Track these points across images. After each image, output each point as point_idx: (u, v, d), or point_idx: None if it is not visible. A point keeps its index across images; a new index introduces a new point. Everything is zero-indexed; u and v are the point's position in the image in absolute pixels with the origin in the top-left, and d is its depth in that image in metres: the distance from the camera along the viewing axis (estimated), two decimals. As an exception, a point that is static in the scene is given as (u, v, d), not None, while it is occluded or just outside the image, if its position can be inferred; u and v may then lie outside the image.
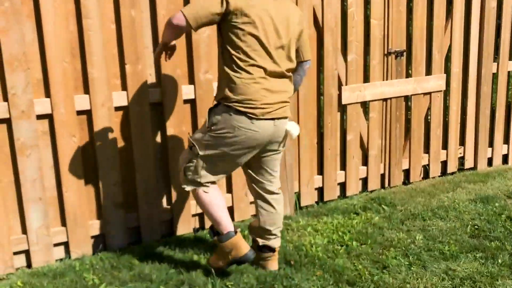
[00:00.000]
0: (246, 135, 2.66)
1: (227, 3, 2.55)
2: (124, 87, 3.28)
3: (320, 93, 4.04)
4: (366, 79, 4.23)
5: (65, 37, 3.05)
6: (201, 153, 2.76)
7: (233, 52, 2.62)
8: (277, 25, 2.66)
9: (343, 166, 4.25)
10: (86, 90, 3.18)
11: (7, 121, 2.99)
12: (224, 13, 2.58)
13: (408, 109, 4.54)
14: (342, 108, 4.16)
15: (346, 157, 4.22)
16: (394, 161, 4.46)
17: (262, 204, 2.96)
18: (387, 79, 4.27)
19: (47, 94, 3.08)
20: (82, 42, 3.11)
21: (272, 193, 2.95)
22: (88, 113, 3.21)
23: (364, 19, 4.11)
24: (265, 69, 2.64)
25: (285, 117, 2.78)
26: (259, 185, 2.94)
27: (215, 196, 2.83)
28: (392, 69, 4.27)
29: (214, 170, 2.80)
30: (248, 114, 2.62)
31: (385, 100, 4.31)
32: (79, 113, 3.18)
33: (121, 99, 3.27)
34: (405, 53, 4.30)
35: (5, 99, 2.97)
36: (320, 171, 4.15)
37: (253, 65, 2.62)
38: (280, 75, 2.72)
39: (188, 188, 2.85)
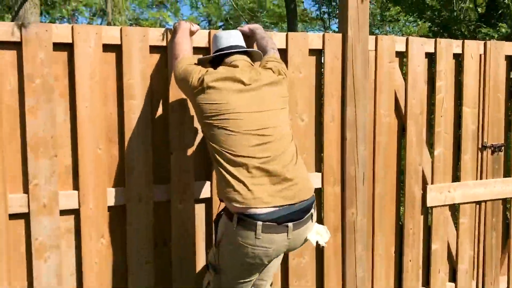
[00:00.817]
0: (255, 253, 2.17)
1: (202, 80, 2.26)
2: (167, 179, 2.75)
3: (400, 191, 3.37)
4: (456, 177, 3.52)
5: (102, 119, 2.59)
6: (221, 276, 2.33)
7: (214, 145, 2.26)
8: (251, 102, 2.26)
9: (426, 282, 3.48)
10: (122, 182, 2.67)
11: (26, 216, 2.51)
12: (195, 94, 2.29)
13: (506, 214, 3.75)
14: (427, 211, 3.44)
15: (430, 270, 3.45)
16: (489, 278, 3.63)
17: None
18: (481, 178, 3.55)
19: (75, 185, 2.60)
20: (122, 125, 2.65)
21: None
22: (121, 209, 2.68)
23: (455, 106, 3.47)
24: (254, 157, 2.21)
25: (307, 210, 2.26)
26: None
27: None
28: (488, 166, 3.55)
29: None
30: (252, 225, 2.15)
31: (478, 203, 3.56)
32: (111, 208, 2.66)
33: (162, 193, 2.74)
34: (503, 148, 3.58)
35: (25, 190, 2.50)
36: (398, 287, 3.39)
37: (237, 155, 2.20)
38: (279, 151, 2.26)
39: None
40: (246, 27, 2.79)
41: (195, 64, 2.39)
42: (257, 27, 2.78)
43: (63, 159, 2.57)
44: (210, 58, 2.47)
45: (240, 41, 2.47)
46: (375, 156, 3.21)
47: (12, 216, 2.49)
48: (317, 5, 11.73)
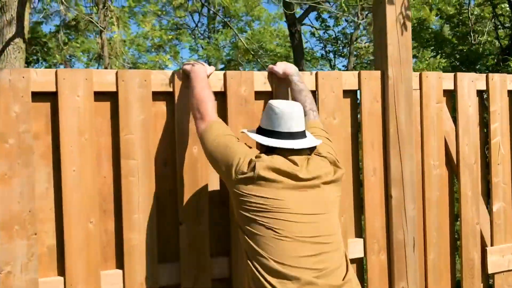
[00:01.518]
0: None
1: (253, 167, 1.77)
2: (175, 256, 2.20)
3: (455, 256, 2.81)
4: (519, 235, 2.97)
5: (93, 186, 2.07)
6: None
7: (253, 245, 1.77)
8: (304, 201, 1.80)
9: None
10: (120, 263, 2.12)
11: (-5, 315, 1.95)
12: (239, 181, 1.80)
13: None
14: (487, 278, 2.87)
15: None
16: None
17: None
18: (547, 235, 2.99)
19: (61, 270, 2.04)
20: (119, 192, 2.12)
21: None
22: (120, 297, 2.12)
23: (512, 151, 2.96)
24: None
25: None
26: None
27: None
28: (553, 220, 3.00)
29: None
30: None
31: (546, 265, 2.99)
32: (107, 298, 2.10)
33: (169, 274, 2.19)
34: None
35: (-4, 280, 1.95)
36: None
37: (285, 265, 1.73)
38: (336, 264, 1.80)
39: None
40: (280, 69, 2.29)
41: (231, 135, 1.93)
42: (293, 72, 2.28)
43: (45, 238, 2.03)
44: (263, 140, 1.88)
45: (302, 124, 1.92)
46: (425, 216, 2.66)
47: (-22, 316, 1.93)
48: (321, 44, 11.42)
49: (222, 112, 2.24)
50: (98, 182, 2.09)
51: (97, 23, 6.68)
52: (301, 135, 1.89)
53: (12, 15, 3.73)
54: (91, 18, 6.21)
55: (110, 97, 2.12)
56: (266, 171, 1.75)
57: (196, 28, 16.73)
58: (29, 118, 1.98)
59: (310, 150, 1.93)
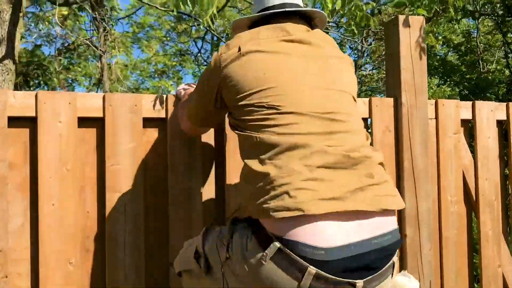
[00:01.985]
0: None
1: (238, 50, 1.47)
2: (166, 299, 1.98)
3: (474, 302, 2.57)
4: (544, 279, 2.72)
5: (75, 222, 1.85)
6: None
7: (252, 134, 1.41)
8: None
9: None
10: (102, 308, 1.89)
11: None
12: (223, 69, 1.48)
13: None
14: (510, 328, 2.61)
15: None
16: None
17: None
18: None
19: (35, 318, 1.81)
20: (103, 229, 1.90)
21: None
22: None
23: (535, 187, 2.74)
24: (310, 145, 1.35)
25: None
26: None
27: None
28: None
29: None
30: (296, 268, 1.23)
31: None
32: None
33: (159, 320, 1.95)
34: None
35: (-41, 330, 1.72)
36: None
37: (289, 136, 1.36)
38: (356, 144, 1.41)
39: None
40: None
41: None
42: None
43: (18, 281, 1.80)
44: (253, 18, 1.62)
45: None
46: (443, 257, 2.42)
47: None
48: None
49: (220, 138, 2.04)
50: (80, 217, 1.87)
51: (97, 47, 6.54)
52: (297, 7, 1.61)
53: (2, 35, 3.54)
54: (91, 41, 6.08)
55: (96, 123, 1.92)
56: (254, 45, 1.46)
57: (199, 53, 16.69)
58: (4, 146, 1.78)
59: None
